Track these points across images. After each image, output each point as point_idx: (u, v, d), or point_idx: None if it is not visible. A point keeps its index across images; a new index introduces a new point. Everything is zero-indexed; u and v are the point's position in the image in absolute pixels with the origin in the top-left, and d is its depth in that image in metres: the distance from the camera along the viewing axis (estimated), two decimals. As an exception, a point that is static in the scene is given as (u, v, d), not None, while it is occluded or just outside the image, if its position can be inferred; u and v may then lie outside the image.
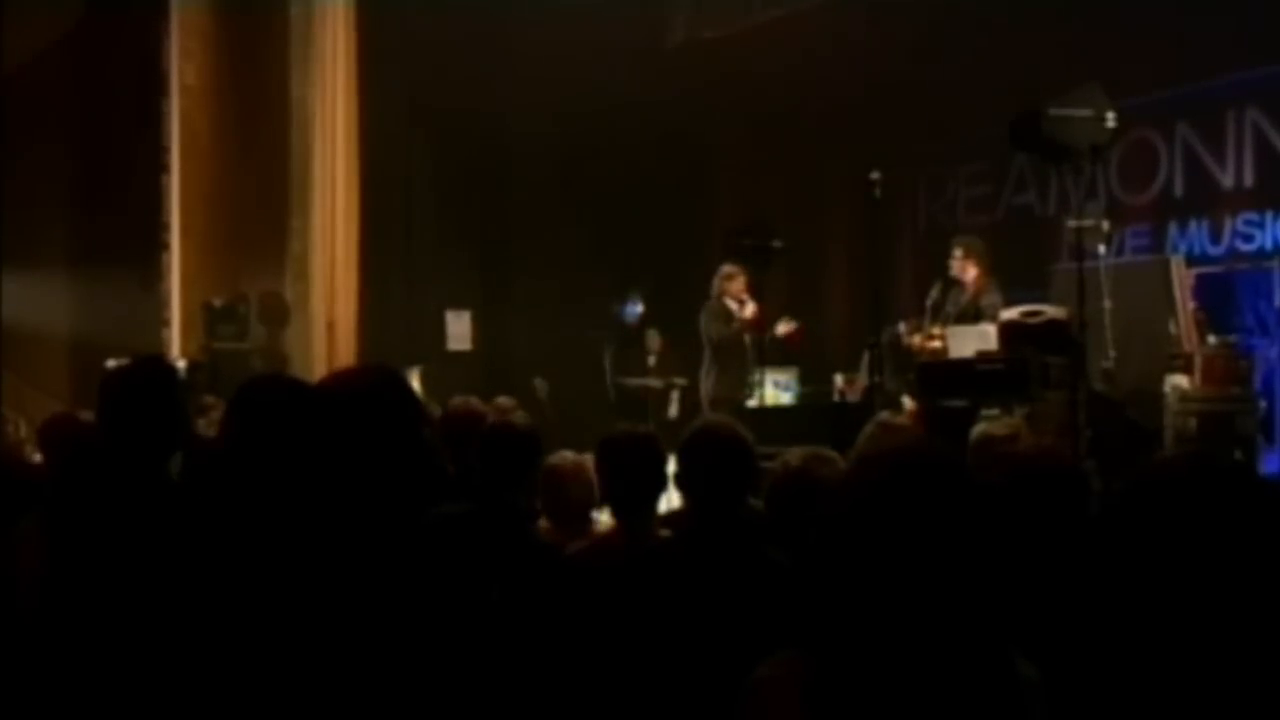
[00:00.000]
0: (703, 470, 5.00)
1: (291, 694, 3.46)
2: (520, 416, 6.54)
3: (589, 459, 6.61)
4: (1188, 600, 2.80)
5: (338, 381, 4.05)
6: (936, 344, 13.29)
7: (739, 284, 15.18)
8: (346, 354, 16.66)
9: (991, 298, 13.30)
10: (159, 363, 4.95)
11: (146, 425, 4.53)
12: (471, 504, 5.46)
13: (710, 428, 5.26)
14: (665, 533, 5.42)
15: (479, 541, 4.91)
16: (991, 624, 2.60)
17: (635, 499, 5.31)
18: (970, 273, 13.69)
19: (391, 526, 3.69)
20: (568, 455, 6.77)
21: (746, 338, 15.23)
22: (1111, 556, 3.01)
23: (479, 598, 4.00)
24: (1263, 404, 11.90)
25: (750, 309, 15.10)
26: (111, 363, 14.65)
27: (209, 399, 13.33)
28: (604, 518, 6.54)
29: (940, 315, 13.86)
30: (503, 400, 8.11)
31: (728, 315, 15.16)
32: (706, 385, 15.24)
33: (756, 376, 14.81)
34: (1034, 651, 2.91)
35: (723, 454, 5.01)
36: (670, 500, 5.89)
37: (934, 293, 14.46)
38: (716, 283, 15.28)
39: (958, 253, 13.83)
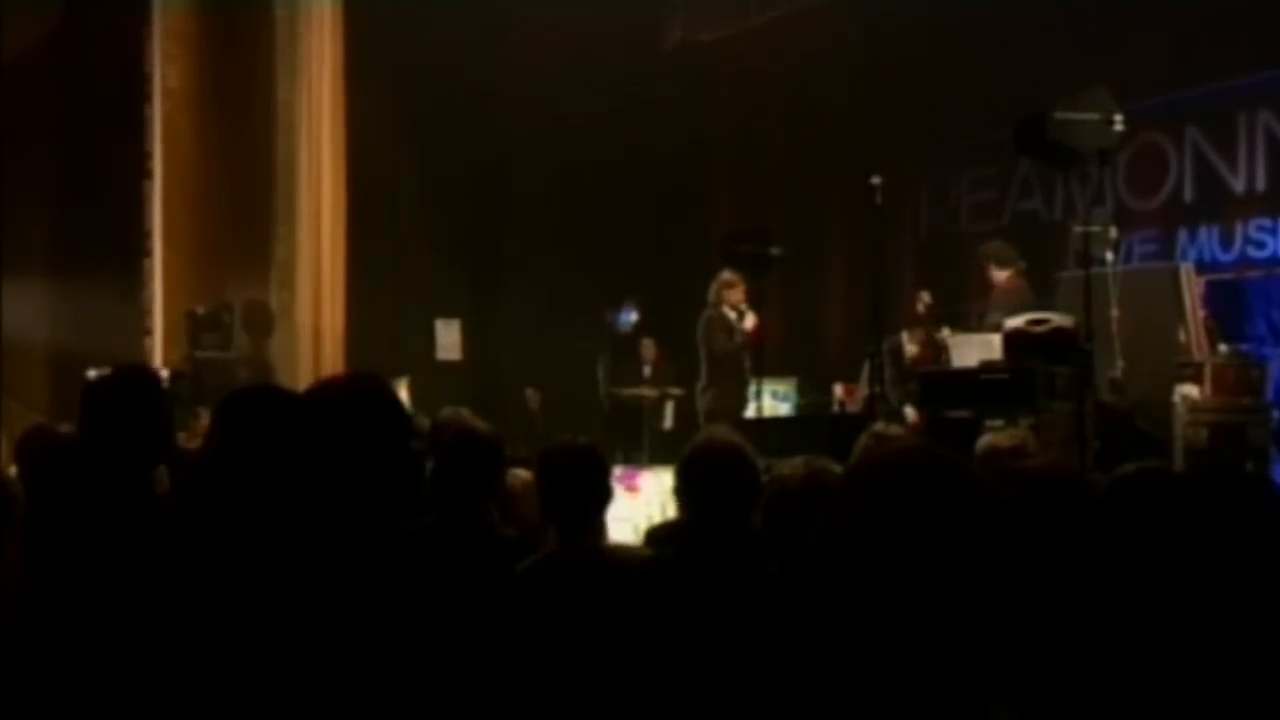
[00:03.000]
0: (703, 485, 4.97)
1: (275, 706, 3.45)
2: (481, 424, 6.48)
3: None
4: (1199, 616, 2.77)
5: (324, 391, 4.02)
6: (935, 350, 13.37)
7: (738, 293, 15.02)
8: (333, 363, 16.61)
9: (1017, 298, 13.17)
10: (142, 371, 4.93)
11: (129, 435, 4.50)
12: (436, 516, 5.42)
13: (712, 443, 5.22)
14: (622, 547, 5.37)
15: (445, 554, 4.88)
16: (975, 669, 2.51)
17: (576, 512, 5.24)
18: (1000, 275, 13.67)
19: (375, 539, 3.68)
20: (519, 473, 6.70)
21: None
22: (1117, 570, 2.98)
23: (453, 612, 3.97)
24: (1275, 414, 11.88)
25: (750, 320, 14.95)
26: (93, 373, 14.69)
27: (201, 410, 13.35)
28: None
29: (938, 320, 13.94)
30: (463, 410, 8.06)
31: (728, 327, 15.00)
32: (704, 399, 15.12)
33: (755, 389, 14.75)
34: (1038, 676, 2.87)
35: (724, 469, 4.98)
36: (665, 512, 5.86)
37: (925, 297, 14.49)
38: (714, 290, 15.10)
39: (984, 264, 13.86)
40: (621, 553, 5.37)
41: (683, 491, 5.07)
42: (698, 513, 5.01)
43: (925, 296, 14.73)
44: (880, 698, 2.38)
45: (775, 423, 14.57)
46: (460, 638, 3.84)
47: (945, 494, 2.43)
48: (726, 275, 15.06)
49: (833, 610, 2.43)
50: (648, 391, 17.27)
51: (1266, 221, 14.48)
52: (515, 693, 4.50)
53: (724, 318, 15.02)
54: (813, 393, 15.97)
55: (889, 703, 2.38)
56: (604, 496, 5.35)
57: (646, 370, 18.01)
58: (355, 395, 3.82)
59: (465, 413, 8.18)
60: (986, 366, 11.78)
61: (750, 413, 14.55)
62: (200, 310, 16.42)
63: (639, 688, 4.49)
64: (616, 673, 4.54)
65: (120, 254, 17.02)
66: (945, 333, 13.49)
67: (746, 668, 2.87)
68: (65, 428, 6.66)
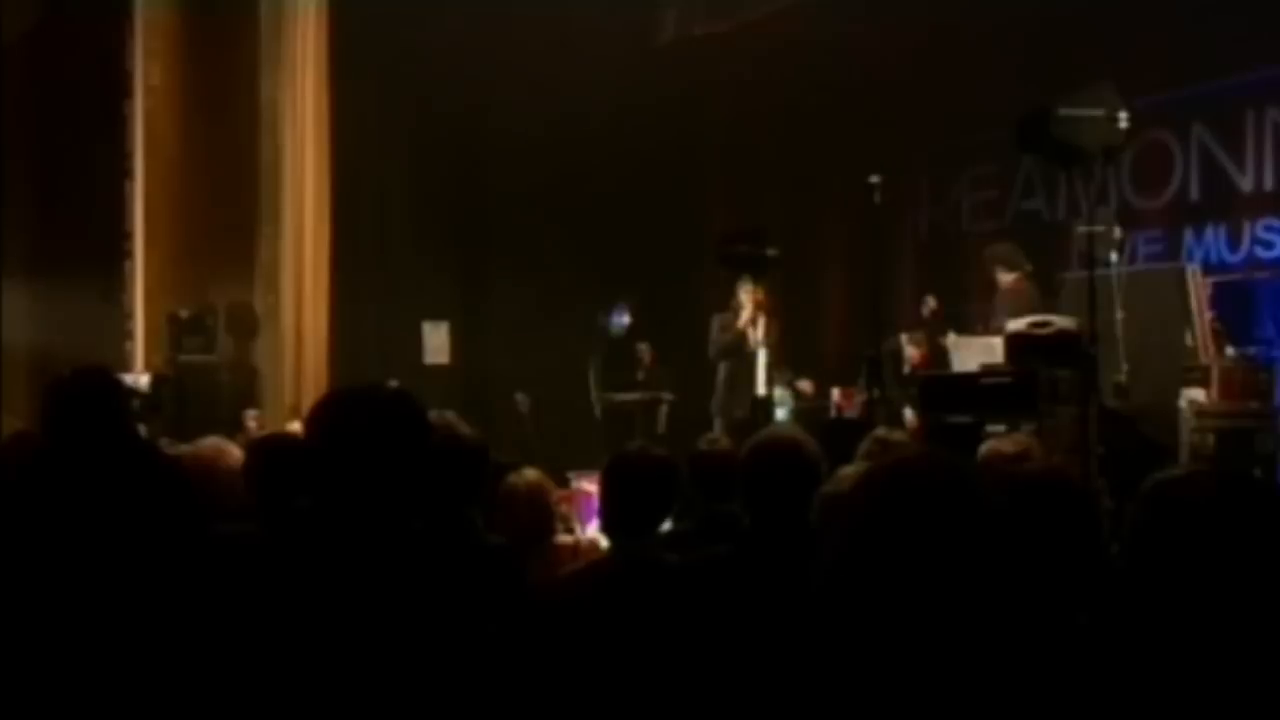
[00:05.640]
0: (768, 486, 4.98)
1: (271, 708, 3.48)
2: (466, 429, 6.47)
3: (547, 480, 6.59)
4: (1221, 633, 2.77)
5: (352, 398, 4.03)
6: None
7: (749, 298, 15.06)
8: (318, 367, 16.62)
9: (1023, 302, 13.19)
10: (99, 373, 4.94)
11: (90, 435, 4.52)
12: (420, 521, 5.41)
13: (775, 440, 5.24)
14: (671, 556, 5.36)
15: (433, 560, 4.86)
16: (984, 658, 2.54)
17: (640, 524, 5.22)
18: (1007, 279, 13.70)
19: (377, 543, 3.70)
20: (527, 474, 6.68)
21: (762, 353, 15.10)
22: (1135, 584, 2.98)
23: (442, 618, 3.96)
24: (1284, 419, 11.88)
25: (744, 317, 15.00)
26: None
27: (248, 411, 13.49)
28: (565, 539, 6.49)
29: (943, 324, 13.95)
30: (449, 414, 8.05)
31: (728, 328, 15.11)
32: (714, 400, 15.22)
33: (774, 392, 14.84)
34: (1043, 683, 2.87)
35: (789, 469, 5.00)
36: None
37: (930, 302, 14.50)
38: (738, 295, 15.23)
39: (989, 266, 13.89)
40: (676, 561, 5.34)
41: (745, 491, 5.08)
42: (760, 512, 5.02)
43: (931, 301, 14.77)
44: (895, 685, 2.41)
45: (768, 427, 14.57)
46: (453, 645, 3.84)
47: (948, 497, 2.46)
48: (745, 281, 15.15)
49: (850, 606, 2.46)
50: (640, 396, 17.27)
51: (1275, 221, 14.45)
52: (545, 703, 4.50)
53: (729, 320, 15.11)
54: (813, 399, 15.97)
55: (904, 690, 2.40)
56: (668, 510, 5.33)
57: (640, 374, 18.03)
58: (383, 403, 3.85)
59: (452, 416, 8.16)
60: (988, 370, 11.77)
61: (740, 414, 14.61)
62: (183, 313, 16.39)
63: (706, 698, 4.47)
64: (678, 683, 4.53)
65: (101, 255, 17.00)
66: (951, 338, 13.51)
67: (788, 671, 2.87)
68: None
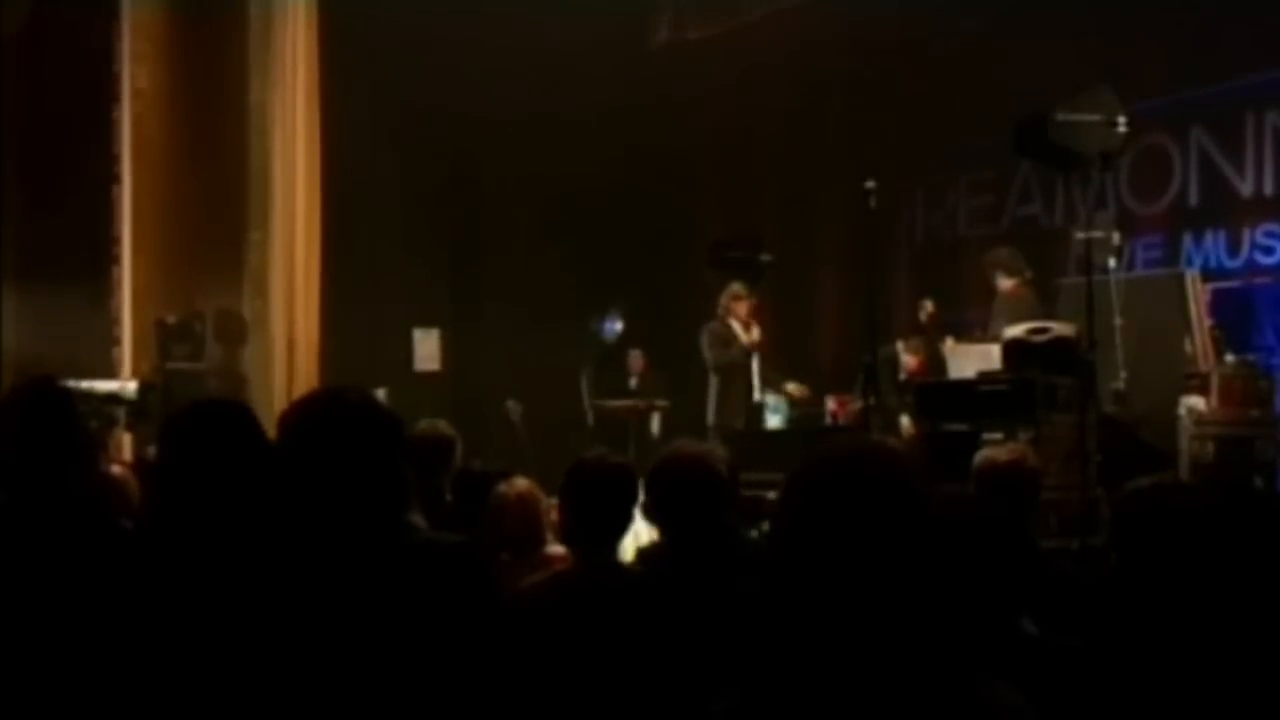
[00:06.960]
0: (673, 500, 5.00)
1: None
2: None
3: (538, 488, 6.59)
4: (1195, 632, 2.77)
5: (313, 402, 4.03)
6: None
7: (745, 307, 15.10)
8: (307, 374, 16.58)
9: (1022, 307, 13.19)
10: (49, 384, 4.95)
11: (40, 447, 4.54)
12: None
13: (677, 456, 5.24)
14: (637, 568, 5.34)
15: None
16: (955, 646, 2.52)
17: (600, 533, 5.19)
18: (1006, 284, 13.69)
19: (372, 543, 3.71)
20: (518, 483, 6.68)
21: (755, 363, 15.11)
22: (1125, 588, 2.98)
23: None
24: (1284, 427, 11.86)
25: (756, 334, 15.05)
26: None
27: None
28: (556, 549, 6.51)
29: (941, 329, 13.97)
30: (440, 423, 8.13)
31: (726, 340, 15.09)
32: (709, 412, 15.21)
33: (765, 399, 14.86)
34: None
35: (691, 482, 5.01)
36: (654, 531, 5.82)
37: (927, 306, 14.49)
38: (723, 302, 15.22)
39: (989, 272, 13.89)
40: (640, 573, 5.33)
41: (651, 507, 5.10)
42: (671, 527, 5.04)
43: (928, 305, 14.76)
44: (848, 671, 2.40)
45: (766, 436, 14.56)
46: (402, 649, 3.84)
47: (874, 495, 2.45)
48: (735, 287, 15.16)
49: (780, 611, 2.45)
50: (633, 403, 17.25)
51: (1274, 226, 14.45)
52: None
53: (725, 330, 15.10)
54: (805, 404, 15.96)
55: (857, 675, 2.40)
56: (629, 519, 5.30)
57: (632, 381, 18.01)
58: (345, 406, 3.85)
59: (443, 425, 8.21)
60: (985, 377, 11.76)
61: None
62: (170, 319, 16.34)
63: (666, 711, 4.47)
64: (640, 695, 4.53)
65: (87, 261, 16.93)
66: (949, 344, 13.50)
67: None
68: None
